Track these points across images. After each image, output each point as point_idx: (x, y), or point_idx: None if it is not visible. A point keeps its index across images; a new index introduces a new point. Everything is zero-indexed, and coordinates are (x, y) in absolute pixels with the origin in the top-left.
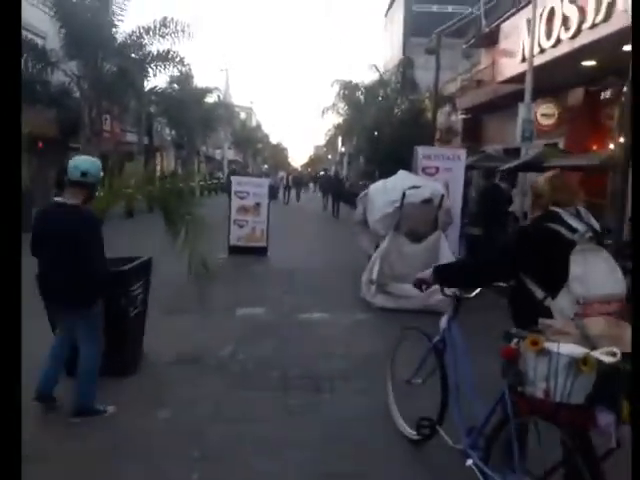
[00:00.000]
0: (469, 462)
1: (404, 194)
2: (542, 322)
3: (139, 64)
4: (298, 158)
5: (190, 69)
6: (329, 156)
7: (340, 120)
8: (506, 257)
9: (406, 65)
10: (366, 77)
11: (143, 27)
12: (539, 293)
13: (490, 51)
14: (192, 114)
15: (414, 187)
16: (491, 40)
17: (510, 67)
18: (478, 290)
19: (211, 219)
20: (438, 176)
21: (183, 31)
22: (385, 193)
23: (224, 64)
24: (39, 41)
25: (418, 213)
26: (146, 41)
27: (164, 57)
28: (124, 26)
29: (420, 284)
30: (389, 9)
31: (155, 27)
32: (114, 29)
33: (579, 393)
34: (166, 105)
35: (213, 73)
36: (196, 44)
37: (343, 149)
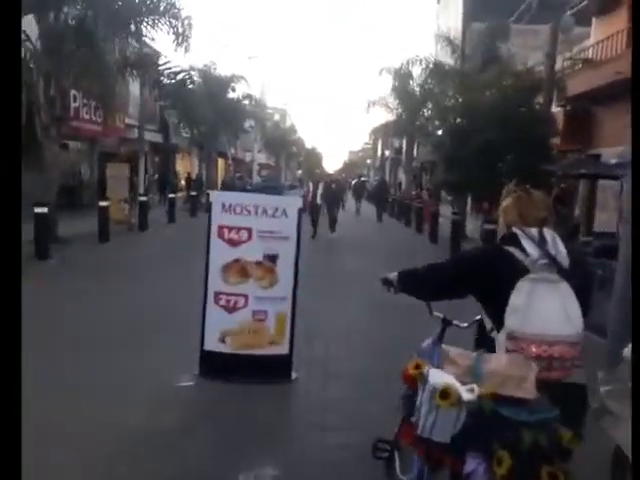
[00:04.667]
0: None
1: None
2: (444, 348)
3: (115, 16)
4: (331, 164)
5: (190, 26)
6: (368, 160)
7: (390, 116)
8: (453, 276)
9: (499, 34)
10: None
11: None
12: (488, 323)
13: (609, 18)
14: (209, 106)
15: None
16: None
17: None
18: (473, 321)
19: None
20: None
21: None
22: None
23: (252, 52)
24: None
25: None
26: None
27: (152, 8)
28: None
29: (387, 284)
30: None
31: None
32: None
33: (443, 430)
34: (173, 91)
35: (241, 65)
36: (221, 36)
37: (387, 152)
